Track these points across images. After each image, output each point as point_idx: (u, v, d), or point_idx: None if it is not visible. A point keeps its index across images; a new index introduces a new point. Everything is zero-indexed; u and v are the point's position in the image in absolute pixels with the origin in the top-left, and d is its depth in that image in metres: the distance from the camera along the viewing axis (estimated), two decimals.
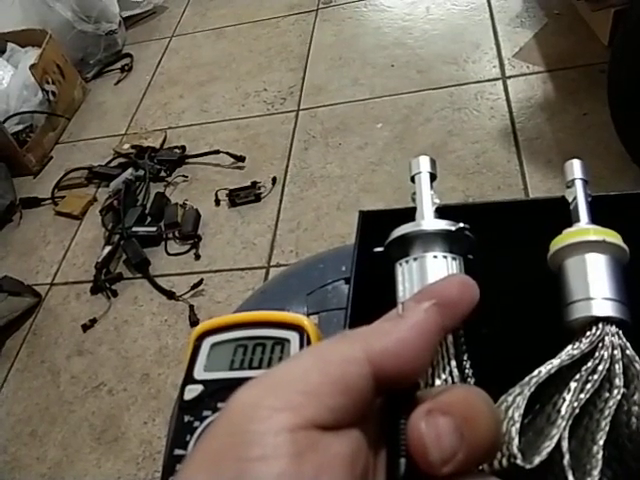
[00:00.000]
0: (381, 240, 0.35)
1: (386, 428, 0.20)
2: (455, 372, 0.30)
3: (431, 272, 0.31)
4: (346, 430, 0.18)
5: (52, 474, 1.21)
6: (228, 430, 0.17)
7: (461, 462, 0.17)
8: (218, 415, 0.17)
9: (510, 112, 1.52)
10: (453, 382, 0.29)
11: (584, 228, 0.31)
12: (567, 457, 0.23)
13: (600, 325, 0.28)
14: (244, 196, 1.54)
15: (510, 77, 1.61)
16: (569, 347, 0.28)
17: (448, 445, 0.17)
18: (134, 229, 1.51)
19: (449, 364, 0.30)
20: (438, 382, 0.29)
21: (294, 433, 0.16)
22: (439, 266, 0.31)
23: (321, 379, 0.17)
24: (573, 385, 0.26)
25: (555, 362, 0.27)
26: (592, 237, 0.30)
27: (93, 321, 1.42)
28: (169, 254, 1.49)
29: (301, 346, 0.36)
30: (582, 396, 0.26)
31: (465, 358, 0.31)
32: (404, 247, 0.33)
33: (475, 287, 0.22)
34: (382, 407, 0.20)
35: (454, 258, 0.32)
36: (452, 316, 0.21)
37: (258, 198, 1.54)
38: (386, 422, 0.20)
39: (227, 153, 1.65)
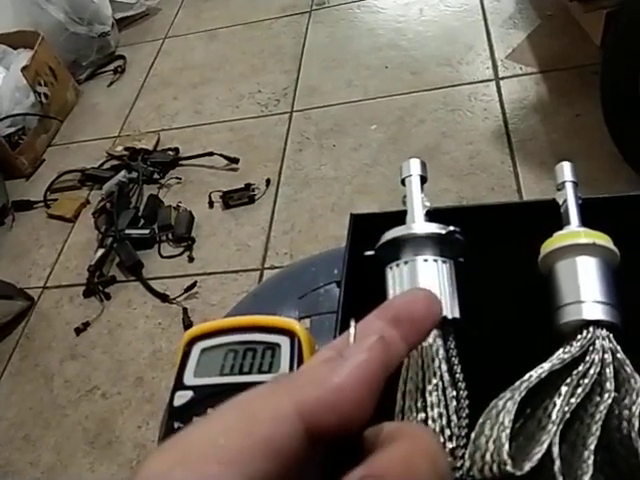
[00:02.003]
0: (372, 243, 0.35)
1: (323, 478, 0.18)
2: (446, 376, 0.30)
3: (422, 276, 0.31)
4: None
5: (46, 478, 1.20)
6: None
7: None
8: None
9: (503, 113, 1.52)
10: (444, 387, 0.29)
11: (575, 231, 0.31)
12: (558, 463, 0.23)
13: (591, 329, 0.28)
14: (238, 198, 1.54)
15: (503, 78, 1.61)
16: (560, 351, 0.28)
17: None
18: (127, 232, 1.50)
19: (439, 368, 0.30)
20: (429, 387, 0.29)
21: None
22: (430, 270, 0.31)
23: (243, 444, 0.15)
24: (564, 389, 0.26)
25: (546, 366, 0.27)
26: (583, 240, 0.30)
27: (86, 324, 1.41)
28: (162, 257, 1.49)
29: (292, 351, 0.35)
30: (573, 400, 0.25)
31: (456, 362, 0.30)
32: (395, 250, 0.33)
33: (439, 302, 0.21)
34: (323, 455, 0.18)
35: (444, 261, 0.32)
36: (416, 331, 0.20)
37: (252, 200, 1.54)
38: (323, 472, 0.18)
39: (221, 155, 1.64)
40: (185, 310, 1.34)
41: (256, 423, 0.16)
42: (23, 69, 1.81)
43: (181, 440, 0.16)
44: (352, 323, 0.19)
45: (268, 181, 1.56)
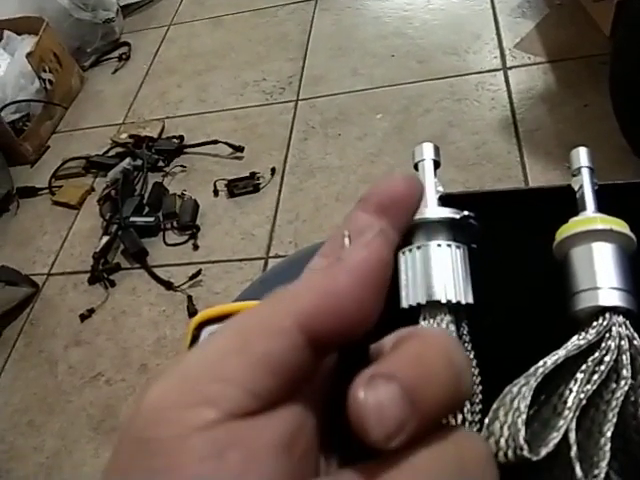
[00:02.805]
0: None
1: (333, 394, 0.17)
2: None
3: (435, 261, 0.31)
4: (280, 409, 0.15)
5: (50, 464, 1.21)
6: (133, 438, 0.15)
7: (413, 432, 0.14)
8: (126, 420, 0.15)
9: (511, 103, 1.51)
10: None
11: (591, 217, 0.31)
12: (575, 449, 0.22)
13: (607, 315, 0.28)
14: (243, 187, 1.53)
15: (511, 68, 1.59)
16: (575, 337, 0.28)
17: (393, 416, 0.14)
18: (132, 219, 1.50)
19: None
20: None
21: (210, 431, 0.14)
22: (443, 255, 0.31)
23: (241, 361, 0.15)
24: (580, 376, 0.26)
25: (561, 353, 0.27)
26: (599, 226, 0.30)
27: (91, 311, 1.41)
28: (167, 244, 1.49)
29: None
30: (589, 387, 0.25)
31: (469, 348, 0.30)
32: (407, 235, 0.32)
33: (419, 180, 0.20)
34: (332, 365, 0.18)
35: (458, 247, 0.31)
36: (403, 214, 0.19)
37: (257, 189, 1.53)
38: (333, 387, 0.18)
39: (225, 143, 1.64)
40: (189, 298, 1.34)
41: (252, 340, 0.15)
42: (28, 55, 1.80)
43: (177, 366, 0.16)
44: (345, 232, 0.18)
45: (273, 170, 1.55)
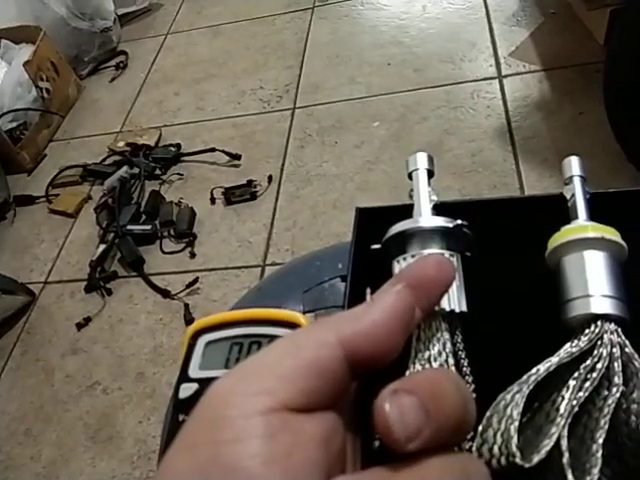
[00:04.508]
0: (378, 237, 0.34)
1: (360, 411, 0.21)
2: (453, 370, 0.30)
3: None
4: (321, 412, 0.18)
5: (47, 473, 1.20)
6: (204, 417, 0.18)
7: (428, 438, 0.17)
8: (197, 405, 0.18)
9: (506, 111, 1.52)
10: None
11: (582, 225, 0.31)
12: (566, 456, 0.22)
13: (599, 322, 0.28)
14: (240, 194, 1.54)
15: (506, 76, 1.61)
16: (568, 345, 0.28)
17: (412, 422, 0.17)
18: (129, 227, 1.50)
19: (446, 362, 0.30)
20: None
21: (267, 415, 0.17)
22: None
23: (294, 364, 0.18)
24: (572, 383, 0.26)
25: (554, 360, 0.27)
26: (591, 234, 0.30)
27: (87, 320, 1.41)
28: (164, 252, 1.49)
29: None
30: (581, 394, 0.25)
31: (463, 356, 0.30)
32: (401, 244, 0.33)
33: (451, 265, 0.22)
34: (358, 391, 0.21)
35: (452, 255, 0.32)
36: (429, 294, 0.22)
37: (254, 196, 1.53)
38: (360, 405, 0.21)
39: (223, 151, 1.64)
40: (186, 306, 1.34)
41: (304, 349, 0.19)
42: (25, 64, 1.81)
43: (241, 366, 0.19)
44: (368, 290, 0.22)
45: (270, 177, 1.56)
